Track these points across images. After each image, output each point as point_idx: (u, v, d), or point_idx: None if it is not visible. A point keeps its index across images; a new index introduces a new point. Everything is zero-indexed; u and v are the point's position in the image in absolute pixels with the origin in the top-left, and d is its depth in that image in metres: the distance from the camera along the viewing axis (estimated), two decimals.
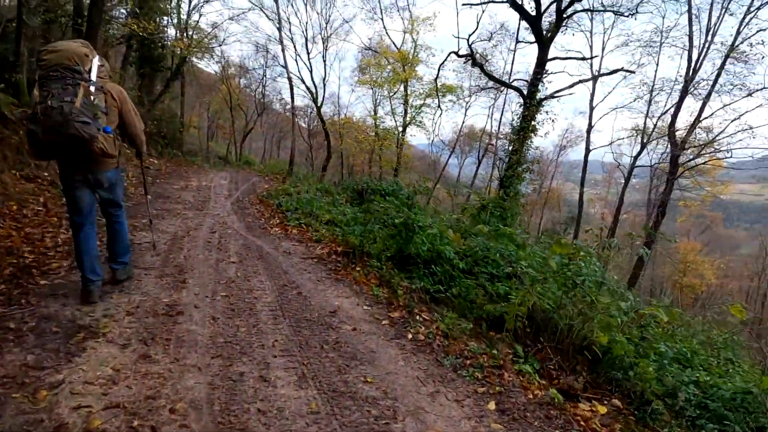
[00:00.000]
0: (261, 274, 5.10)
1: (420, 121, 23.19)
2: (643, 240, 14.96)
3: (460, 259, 6.28)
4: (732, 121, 16.84)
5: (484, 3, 14.79)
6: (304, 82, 23.59)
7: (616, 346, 4.03)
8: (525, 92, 15.13)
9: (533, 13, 14.58)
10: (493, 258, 6.09)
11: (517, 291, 5.40)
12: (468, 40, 14.44)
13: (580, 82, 15.77)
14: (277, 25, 21.33)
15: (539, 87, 14.73)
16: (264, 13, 22.04)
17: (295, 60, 24.96)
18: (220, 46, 24.79)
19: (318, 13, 24.60)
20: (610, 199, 48.41)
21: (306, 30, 23.53)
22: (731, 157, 16.11)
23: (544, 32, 14.85)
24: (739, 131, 15.88)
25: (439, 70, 17.90)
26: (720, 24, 16.54)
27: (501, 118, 26.12)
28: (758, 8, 15.25)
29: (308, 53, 23.73)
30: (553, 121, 15.67)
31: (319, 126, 27.75)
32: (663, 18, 19.17)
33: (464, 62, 18.67)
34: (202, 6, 22.03)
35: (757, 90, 15.46)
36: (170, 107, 22.45)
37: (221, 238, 6.53)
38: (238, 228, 7.43)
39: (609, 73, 16.66)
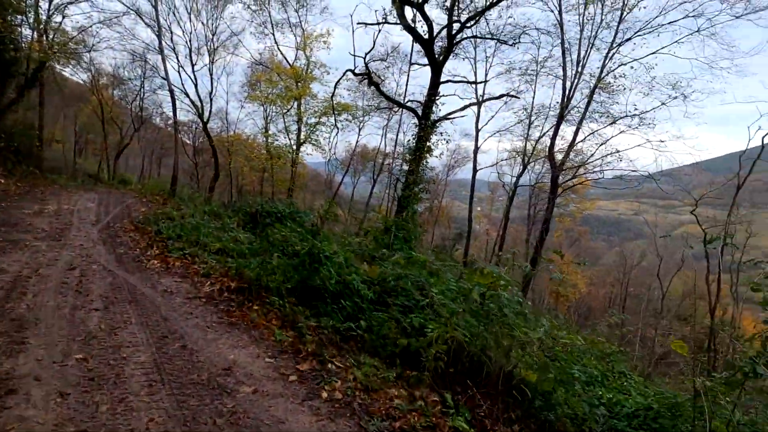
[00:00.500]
0: (133, 324, 4.14)
1: (315, 140, 22.61)
2: (527, 260, 15.70)
3: (369, 288, 5.80)
4: (600, 145, 18.53)
5: (379, 23, 14.78)
6: (188, 95, 21.83)
7: (543, 383, 3.78)
8: (420, 113, 15.31)
9: (426, 37, 14.84)
10: (406, 287, 5.68)
11: (432, 323, 5.03)
12: (365, 59, 14.29)
13: (471, 105, 16.36)
14: (157, 33, 19.58)
15: (433, 108, 14.98)
16: (141, 19, 20.13)
17: (178, 72, 23.13)
18: (89, 52, 22.18)
19: (203, 24, 22.99)
20: (494, 215, 51.60)
21: (190, 40, 21.93)
22: (603, 177, 17.67)
23: (437, 56, 15.19)
24: (608, 154, 17.51)
25: (335, 88, 17.59)
26: (588, 57, 18.18)
27: (397, 138, 26.51)
28: (619, 45, 17.00)
29: (192, 65, 22.09)
30: (447, 141, 15.99)
31: (205, 143, 25.94)
32: (539, 49, 20.95)
33: (360, 81, 18.52)
34: (65, 7, 19.55)
35: (620, 117, 17.20)
36: (26, 118, 19.50)
37: (82, 277, 5.36)
38: (106, 262, 6.23)
39: (497, 98, 17.55)
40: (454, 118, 15.85)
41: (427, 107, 14.91)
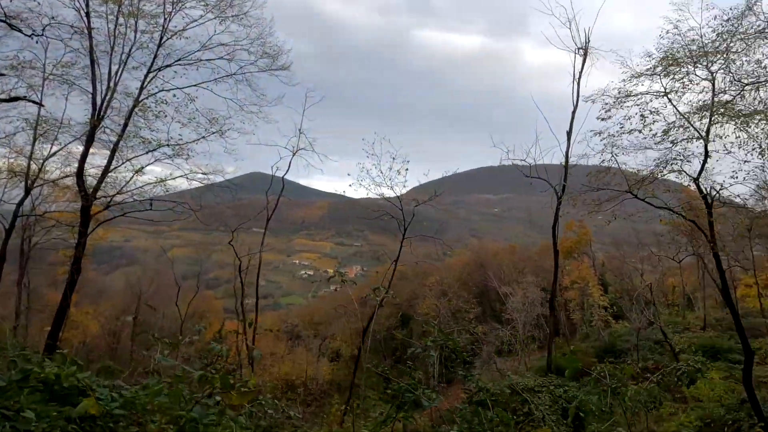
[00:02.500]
0: None
1: None
2: None
3: None
4: (136, 171, 17.02)
5: None
6: None
7: None
8: None
9: None
10: None
11: None
12: None
13: None
14: None
15: None
16: None
17: None
18: None
19: None
20: None
21: None
22: (152, 208, 16.10)
23: None
24: (152, 183, 16.23)
25: None
26: (120, 75, 16.30)
27: None
28: (159, 69, 16.15)
29: None
30: None
31: None
32: (46, 50, 16.03)
33: None
34: None
35: (164, 145, 16.29)
36: None
37: None
38: None
39: (9, 100, 13.00)
40: None
41: None
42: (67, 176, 19.45)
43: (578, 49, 12.82)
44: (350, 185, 14.75)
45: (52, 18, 12.93)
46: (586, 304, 38.22)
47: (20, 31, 12.44)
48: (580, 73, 12.71)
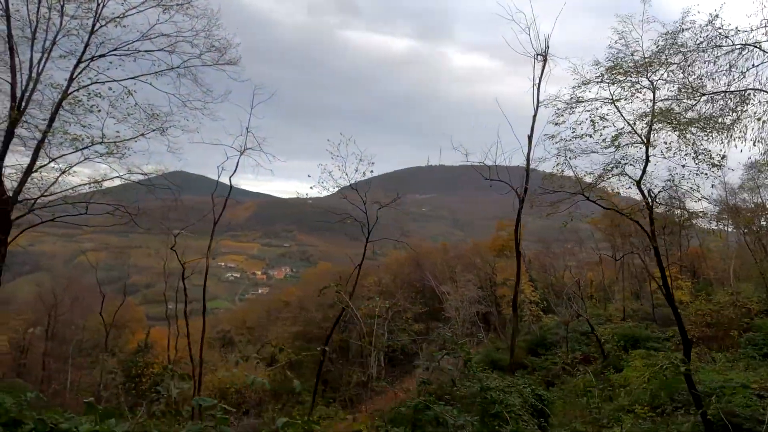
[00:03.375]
0: None
1: None
2: None
3: None
4: (63, 171, 15.45)
5: None
6: None
7: None
8: None
9: None
10: None
11: None
12: None
13: None
14: None
15: None
16: None
17: None
18: None
19: None
20: None
21: None
22: (87, 212, 14.61)
23: None
24: (90, 183, 14.76)
25: None
26: (44, 66, 14.70)
27: None
28: (92, 59, 14.73)
29: None
30: None
31: None
32: None
33: None
34: None
35: (96, 144, 14.86)
36: None
37: None
38: None
39: None
40: None
41: None
42: None
43: (537, 55, 13.33)
44: (311, 187, 14.32)
45: None
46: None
47: None
48: (540, 78, 13.23)
